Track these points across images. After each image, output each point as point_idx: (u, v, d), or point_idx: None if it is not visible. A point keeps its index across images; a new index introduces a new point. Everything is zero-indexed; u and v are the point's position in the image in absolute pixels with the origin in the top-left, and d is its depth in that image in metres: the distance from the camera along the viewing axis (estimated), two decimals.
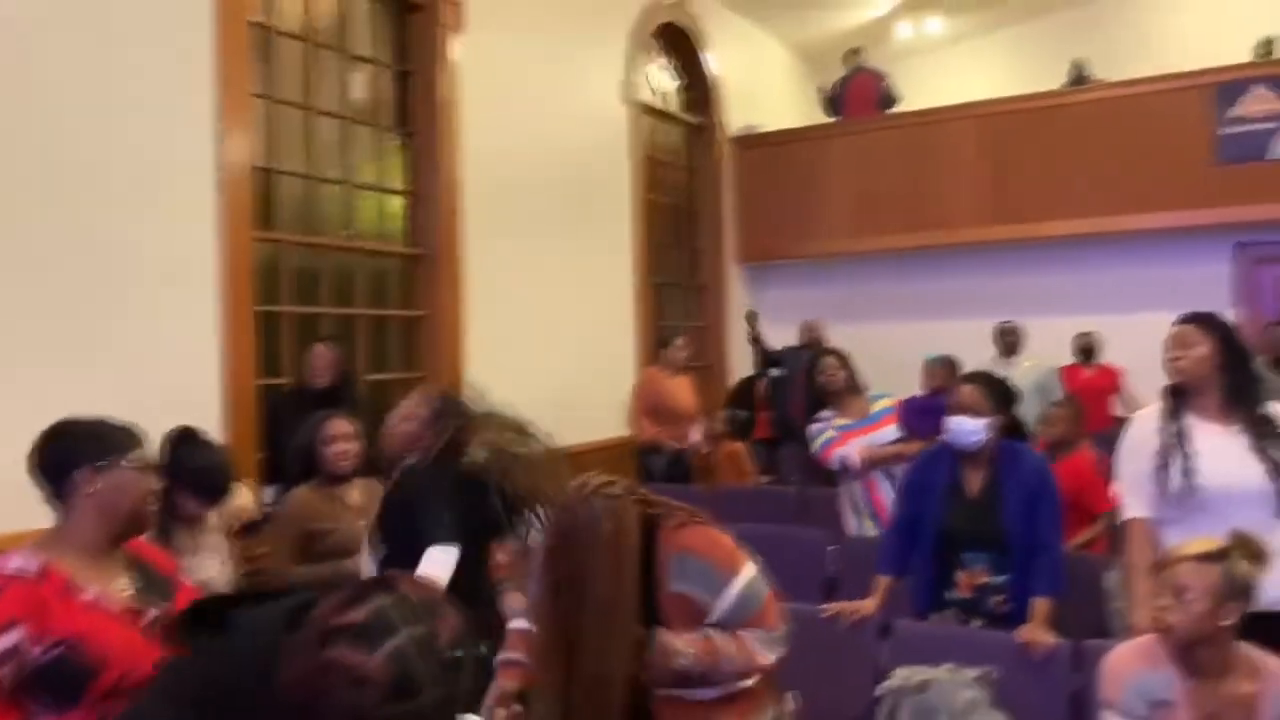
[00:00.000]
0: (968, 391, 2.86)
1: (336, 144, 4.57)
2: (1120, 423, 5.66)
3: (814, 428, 3.91)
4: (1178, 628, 1.87)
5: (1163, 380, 2.51)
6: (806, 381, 4.02)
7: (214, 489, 2.56)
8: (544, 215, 5.61)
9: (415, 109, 4.94)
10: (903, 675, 2.38)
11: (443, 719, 1.06)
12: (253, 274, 3.91)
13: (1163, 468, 2.42)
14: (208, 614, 1.19)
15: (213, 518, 2.66)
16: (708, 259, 7.74)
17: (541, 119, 5.62)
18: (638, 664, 1.88)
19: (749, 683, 1.99)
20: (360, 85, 4.76)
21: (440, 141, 4.89)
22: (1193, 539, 2.03)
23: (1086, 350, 6.28)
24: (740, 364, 7.63)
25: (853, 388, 3.90)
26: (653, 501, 2.01)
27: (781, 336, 7.37)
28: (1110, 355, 6.31)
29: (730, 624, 1.93)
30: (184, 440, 2.57)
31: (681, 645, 1.89)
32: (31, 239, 3.15)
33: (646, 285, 6.66)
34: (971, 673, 2.33)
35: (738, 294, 7.94)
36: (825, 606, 2.91)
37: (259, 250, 4.03)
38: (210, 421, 3.66)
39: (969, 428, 2.80)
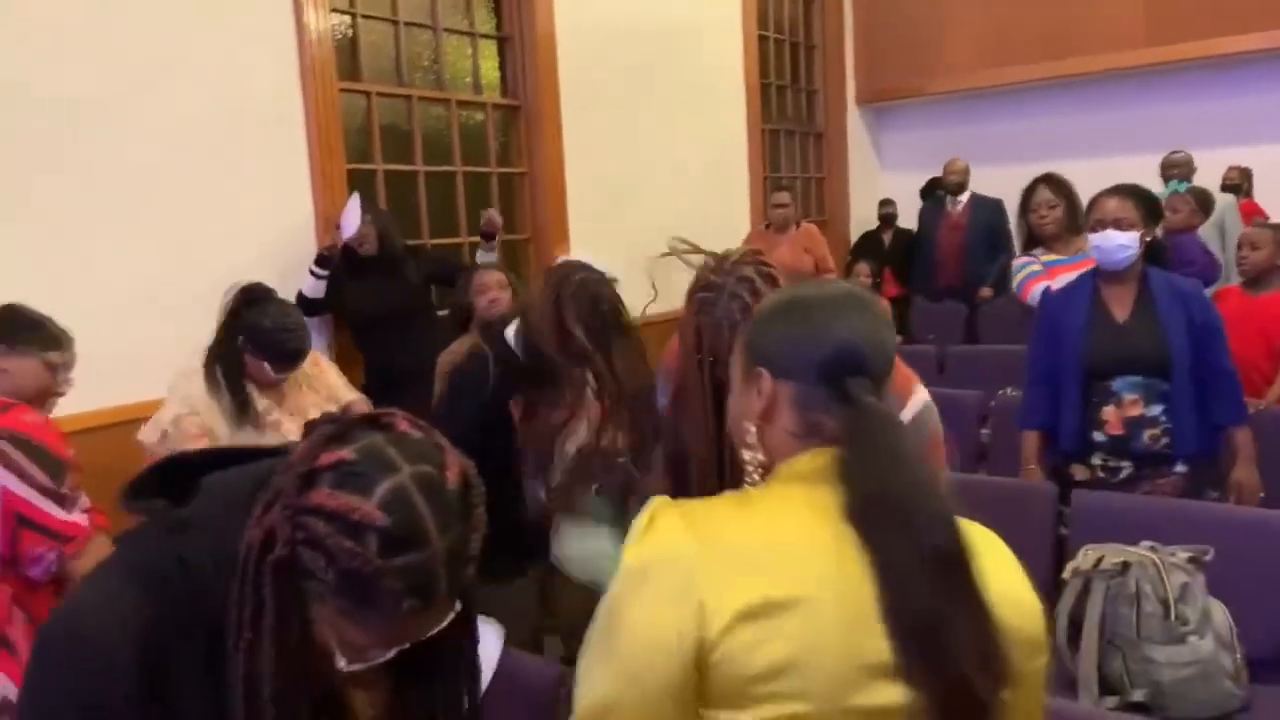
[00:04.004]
0: (1114, 203, 2.53)
1: None
2: None
3: (1018, 261, 3.47)
4: None
5: None
6: (1020, 216, 3.52)
7: (286, 352, 2.28)
8: (642, 57, 5.09)
9: None
10: (1092, 555, 2.04)
11: (454, 576, 0.83)
12: (343, 129, 3.65)
13: None
14: (176, 475, 0.93)
15: (304, 384, 2.44)
16: (825, 101, 7.11)
17: None
18: None
19: None
20: None
21: None
22: None
23: (1238, 187, 5.53)
24: (863, 217, 7.12)
25: (1072, 227, 3.35)
26: None
27: (905, 186, 6.82)
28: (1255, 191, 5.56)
29: None
30: (251, 300, 2.31)
31: None
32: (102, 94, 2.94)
33: (759, 132, 6.13)
34: (1182, 553, 1.97)
35: (859, 140, 7.32)
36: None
37: (347, 104, 3.75)
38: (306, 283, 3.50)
39: (1118, 241, 2.46)
